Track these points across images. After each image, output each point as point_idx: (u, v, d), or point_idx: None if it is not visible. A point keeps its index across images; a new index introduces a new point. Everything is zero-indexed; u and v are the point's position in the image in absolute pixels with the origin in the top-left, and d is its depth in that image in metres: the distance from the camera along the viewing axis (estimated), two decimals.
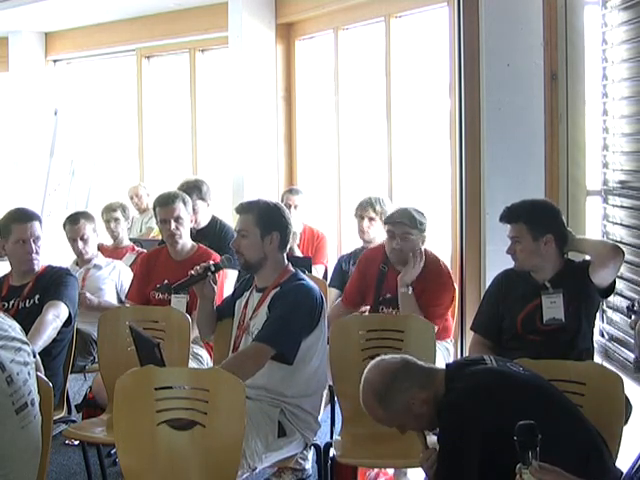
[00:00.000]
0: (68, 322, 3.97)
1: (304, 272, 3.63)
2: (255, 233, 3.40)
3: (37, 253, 4.02)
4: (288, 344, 3.26)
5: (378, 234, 5.11)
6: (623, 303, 3.85)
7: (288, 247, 3.53)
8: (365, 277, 4.44)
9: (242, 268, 3.55)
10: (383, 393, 2.60)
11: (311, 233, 5.80)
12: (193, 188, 5.07)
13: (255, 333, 3.34)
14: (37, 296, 3.98)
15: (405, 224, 4.17)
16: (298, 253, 5.45)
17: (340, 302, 4.59)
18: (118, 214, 5.74)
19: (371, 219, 5.07)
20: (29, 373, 2.59)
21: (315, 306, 3.36)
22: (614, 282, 3.57)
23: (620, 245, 3.73)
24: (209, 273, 3.54)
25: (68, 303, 3.95)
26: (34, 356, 2.74)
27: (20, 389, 2.51)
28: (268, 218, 3.42)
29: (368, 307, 4.46)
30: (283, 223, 3.44)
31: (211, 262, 3.64)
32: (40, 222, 4.10)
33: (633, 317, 3.05)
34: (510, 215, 3.57)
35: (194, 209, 4.86)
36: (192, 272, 3.55)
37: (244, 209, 3.47)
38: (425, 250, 4.25)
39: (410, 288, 4.15)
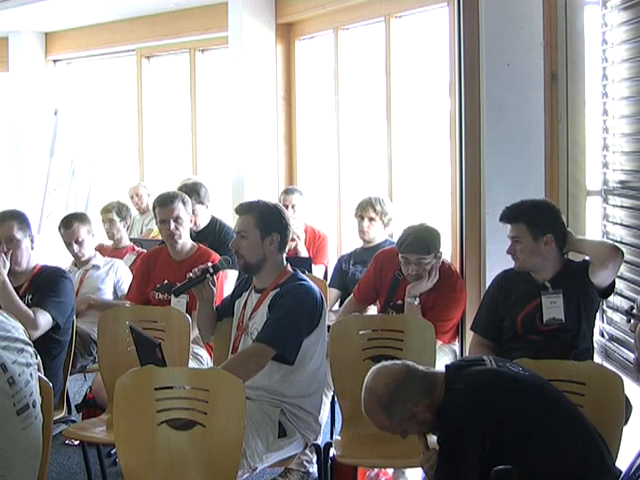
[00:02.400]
0: (57, 328, 3.94)
1: (304, 272, 3.63)
2: (255, 234, 3.39)
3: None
4: (289, 345, 3.26)
5: (378, 234, 5.11)
6: (623, 303, 3.85)
7: (287, 248, 3.53)
8: (380, 277, 4.45)
9: (241, 269, 3.54)
10: (388, 403, 2.59)
11: (312, 233, 5.80)
12: (191, 192, 5.03)
13: (254, 333, 3.34)
14: (30, 296, 3.97)
15: (418, 252, 4.15)
16: (304, 253, 5.44)
17: (352, 298, 4.59)
18: (112, 215, 5.73)
19: (371, 219, 5.07)
20: (31, 374, 2.58)
21: (315, 306, 3.35)
22: (614, 282, 3.58)
23: (620, 245, 3.73)
24: (208, 275, 3.54)
25: (54, 312, 3.92)
26: (36, 357, 2.73)
27: (22, 390, 2.51)
28: (268, 219, 3.41)
29: (377, 307, 4.49)
30: (283, 224, 3.44)
31: (209, 264, 3.64)
32: (18, 223, 4.03)
33: (632, 321, 3.05)
34: (510, 215, 3.58)
35: (193, 212, 4.85)
36: (190, 275, 3.55)
37: (244, 210, 3.46)
38: (443, 262, 4.26)
39: (417, 299, 4.16)
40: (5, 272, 3.93)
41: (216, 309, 3.66)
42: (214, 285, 3.59)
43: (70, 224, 4.91)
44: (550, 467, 2.50)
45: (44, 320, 3.86)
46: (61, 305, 3.95)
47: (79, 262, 5.00)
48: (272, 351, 3.23)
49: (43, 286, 3.97)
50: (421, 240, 4.16)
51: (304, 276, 3.50)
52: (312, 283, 3.45)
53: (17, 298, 3.88)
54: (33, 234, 4.11)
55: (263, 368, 3.26)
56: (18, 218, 4.07)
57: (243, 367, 3.17)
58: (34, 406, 2.55)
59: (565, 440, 2.53)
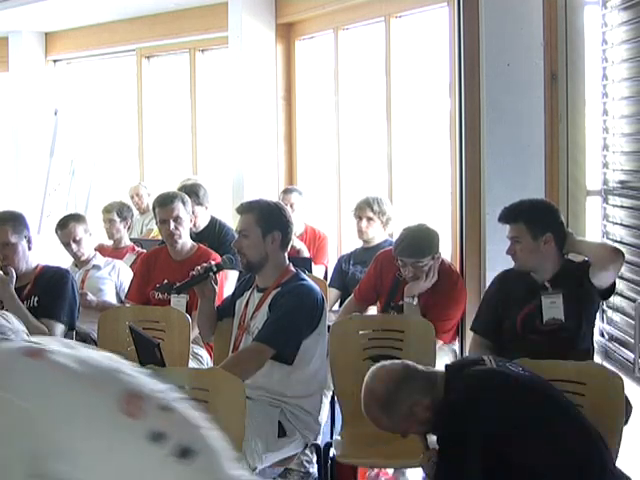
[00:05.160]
0: (71, 327, 3.96)
1: (304, 272, 3.63)
2: (256, 233, 3.40)
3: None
4: (288, 344, 3.26)
5: (377, 234, 5.11)
6: (623, 303, 3.85)
7: (289, 246, 3.53)
8: (381, 278, 4.44)
9: (244, 268, 3.54)
10: (387, 402, 2.60)
11: (312, 233, 5.80)
12: (190, 193, 5.00)
13: (255, 333, 3.34)
14: (36, 298, 3.94)
15: (413, 255, 4.14)
16: (306, 254, 5.44)
17: (352, 298, 4.59)
18: (113, 215, 5.73)
19: (369, 219, 5.07)
20: None
21: (316, 307, 3.35)
22: (614, 283, 3.57)
23: (620, 245, 3.73)
24: (210, 273, 3.54)
25: (65, 319, 3.91)
26: None
27: None
28: (269, 217, 3.41)
29: (376, 307, 4.49)
30: (284, 222, 3.44)
31: (212, 262, 3.64)
32: (12, 227, 3.94)
33: None
34: (509, 215, 3.57)
35: (192, 213, 4.85)
36: (193, 272, 3.55)
37: (245, 209, 3.46)
38: (443, 262, 4.26)
39: (415, 299, 4.15)
40: (12, 287, 3.86)
41: (217, 309, 3.66)
42: (216, 284, 3.59)
43: (66, 224, 4.91)
44: (550, 467, 2.50)
45: (58, 332, 3.86)
46: (70, 308, 3.94)
47: (79, 262, 4.99)
48: (271, 350, 3.24)
49: (49, 291, 3.93)
50: (416, 243, 4.15)
51: (305, 276, 3.50)
52: (313, 283, 3.45)
53: (31, 316, 3.80)
54: (31, 234, 4.06)
55: (262, 367, 3.26)
56: (12, 221, 3.98)
57: (242, 366, 3.18)
58: None
59: (565, 440, 2.53)
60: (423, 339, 3.69)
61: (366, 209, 5.06)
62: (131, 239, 5.91)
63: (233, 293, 3.72)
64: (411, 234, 4.19)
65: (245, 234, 3.42)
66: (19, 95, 8.93)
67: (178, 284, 3.66)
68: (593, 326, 3.64)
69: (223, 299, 3.83)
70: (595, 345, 3.71)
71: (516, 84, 4.22)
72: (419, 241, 4.16)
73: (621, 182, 3.95)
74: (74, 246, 4.90)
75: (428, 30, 5.78)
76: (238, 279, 4.50)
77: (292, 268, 3.49)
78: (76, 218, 5.01)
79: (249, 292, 3.53)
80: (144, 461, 1.07)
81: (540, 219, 3.54)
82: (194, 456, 1.09)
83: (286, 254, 3.50)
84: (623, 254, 3.50)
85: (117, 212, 5.75)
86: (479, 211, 4.38)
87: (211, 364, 4.14)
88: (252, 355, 3.27)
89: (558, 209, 3.69)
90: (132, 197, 7.20)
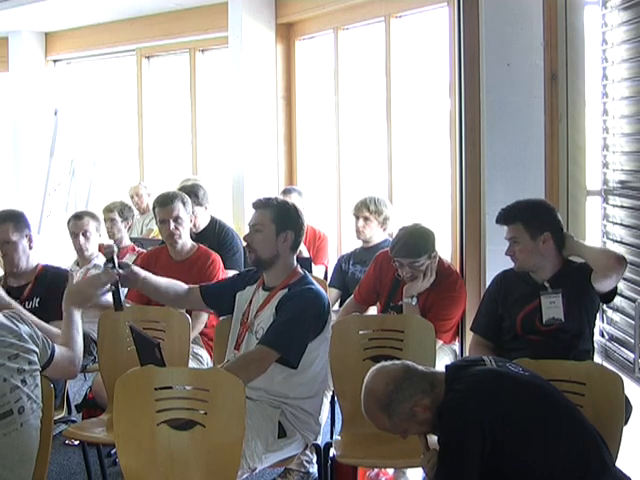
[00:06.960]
0: None
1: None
2: (271, 229, 3.36)
3: None
4: (293, 349, 3.23)
5: (375, 234, 5.11)
6: (623, 303, 3.85)
7: (299, 250, 3.50)
8: (380, 279, 4.44)
9: (253, 264, 3.48)
10: (387, 403, 2.60)
11: (313, 233, 5.80)
12: (189, 194, 5.00)
13: (259, 332, 3.32)
14: (38, 299, 3.93)
15: (408, 256, 4.15)
16: (306, 254, 5.44)
17: (352, 299, 4.59)
18: (114, 215, 5.74)
19: (366, 219, 5.07)
20: (24, 380, 2.54)
21: (323, 311, 3.32)
22: (616, 287, 3.56)
23: (620, 245, 3.72)
24: (109, 267, 3.32)
25: None
26: (49, 362, 2.71)
27: (5, 396, 2.47)
28: (285, 216, 3.38)
29: (377, 308, 4.49)
30: (298, 224, 3.41)
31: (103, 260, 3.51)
32: (14, 225, 3.94)
33: None
34: (506, 216, 3.57)
35: (192, 214, 4.85)
36: (108, 288, 3.29)
37: (262, 205, 3.42)
38: (440, 260, 4.26)
39: (415, 299, 4.16)
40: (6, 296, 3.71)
41: (212, 295, 3.59)
42: (114, 268, 3.33)
43: (82, 216, 4.98)
44: (550, 467, 2.50)
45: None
46: None
47: (81, 259, 5.00)
48: (276, 354, 3.21)
49: (50, 293, 3.90)
50: (411, 243, 4.15)
51: (312, 279, 3.47)
52: (320, 288, 3.42)
53: (38, 320, 3.69)
54: (32, 233, 4.07)
55: (266, 371, 3.23)
56: (14, 219, 3.98)
57: (246, 370, 3.14)
58: (20, 412, 2.51)
59: (565, 440, 2.53)
60: (423, 339, 3.69)
61: (363, 209, 5.07)
62: (131, 239, 5.92)
63: (233, 286, 3.61)
64: (406, 235, 4.20)
65: (259, 229, 3.37)
66: (19, 95, 8.94)
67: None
68: (593, 326, 3.63)
69: (219, 285, 3.73)
70: (595, 345, 3.71)
71: (516, 84, 4.22)
72: (414, 241, 4.16)
73: (621, 182, 3.95)
74: (82, 239, 4.92)
75: (428, 30, 5.78)
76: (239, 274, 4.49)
77: (300, 270, 3.45)
78: (92, 215, 5.09)
79: (253, 289, 3.50)
80: None
81: (537, 218, 3.54)
82: None
83: (295, 256, 3.47)
84: (626, 261, 3.47)
85: (118, 212, 5.76)
86: (479, 211, 4.38)
87: (211, 364, 4.15)
88: (257, 359, 3.22)
89: (555, 208, 3.68)
90: (132, 197, 7.21)
